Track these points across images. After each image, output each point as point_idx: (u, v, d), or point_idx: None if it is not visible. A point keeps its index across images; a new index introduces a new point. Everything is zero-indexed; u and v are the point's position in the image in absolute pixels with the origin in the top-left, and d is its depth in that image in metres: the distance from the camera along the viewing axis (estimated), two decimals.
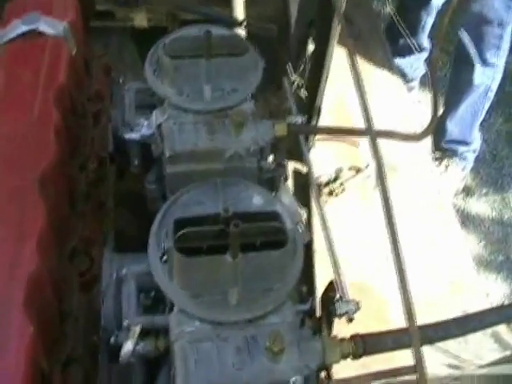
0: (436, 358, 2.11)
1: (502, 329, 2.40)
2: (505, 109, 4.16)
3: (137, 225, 1.57)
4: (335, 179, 2.53)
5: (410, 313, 1.00)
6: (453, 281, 2.45)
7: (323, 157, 2.57)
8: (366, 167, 2.56)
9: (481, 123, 3.68)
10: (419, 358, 0.98)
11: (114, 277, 1.33)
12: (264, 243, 1.24)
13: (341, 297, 1.32)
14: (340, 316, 1.28)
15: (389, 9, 4.23)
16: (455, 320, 1.27)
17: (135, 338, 1.16)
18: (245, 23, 2.01)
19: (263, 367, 1.13)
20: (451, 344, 2.09)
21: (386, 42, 3.56)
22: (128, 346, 1.15)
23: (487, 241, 3.59)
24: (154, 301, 1.31)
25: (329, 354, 1.18)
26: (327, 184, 2.53)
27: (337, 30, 2.16)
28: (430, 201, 2.77)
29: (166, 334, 1.19)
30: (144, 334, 1.20)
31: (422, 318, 1.14)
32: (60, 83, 1.60)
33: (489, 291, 3.20)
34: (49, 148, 1.44)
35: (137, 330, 1.16)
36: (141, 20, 2.41)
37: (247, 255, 1.19)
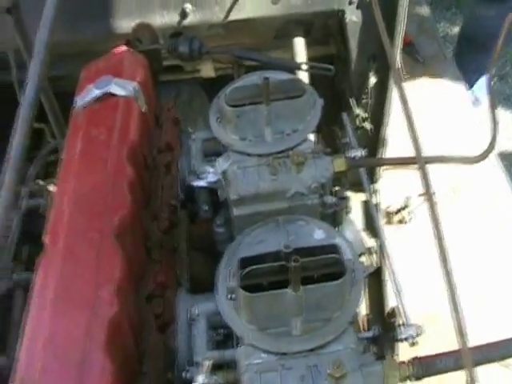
0: None
1: None
2: None
3: (210, 267, 1.65)
4: (404, 207, 2.56)
5: (461, 334, 1.03)
6: None
7: (393, 186, 2.60)
8: (433, 193, 2.57)
9: None
10: (472, 378, 1.01)
11: (186, 316, 1.41)
12: (324, 275, 1.30)
13: (403, 322, 1.35)
14: (402, 340, 1.32)
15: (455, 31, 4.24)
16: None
17: (206, 372, 1.23)
18: (303, 65, 2.06)
19: None
20: None
21: (453, 63, 3.55)
22: (199, 381, 1.22)
23: None
24: (225, 337, 1.39)
25: (389, 377, 1.23)
26: (397, 212, 2.56)
27: (397, 61, 2.19)
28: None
29: (236, 367, 1.26)
30: (215, 368, 1.27)
31: None
32: (132, 140, 1.69)
33: None
34: (123, 201, 1.54)
35: (207, 364, 1.24)
36: (208, 71, 2.53)
37: (308, 288, 1.25)
